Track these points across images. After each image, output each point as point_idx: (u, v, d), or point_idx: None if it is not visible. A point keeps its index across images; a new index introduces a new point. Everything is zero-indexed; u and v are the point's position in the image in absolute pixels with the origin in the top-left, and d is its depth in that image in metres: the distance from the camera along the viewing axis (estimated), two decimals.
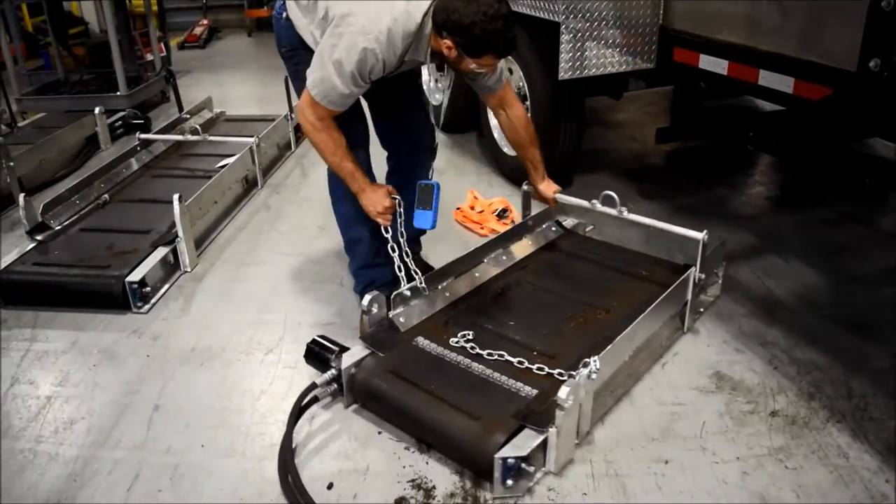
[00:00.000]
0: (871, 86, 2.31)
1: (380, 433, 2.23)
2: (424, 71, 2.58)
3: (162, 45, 6.43)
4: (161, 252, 3.12)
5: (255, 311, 2.93)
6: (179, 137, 4.41)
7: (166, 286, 3.10)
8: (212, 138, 4.28)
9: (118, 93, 5.35)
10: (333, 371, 2.27)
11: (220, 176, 3.67)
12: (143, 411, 2.37)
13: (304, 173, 4.43)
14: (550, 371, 2.24)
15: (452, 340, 2.43)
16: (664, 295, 2.49)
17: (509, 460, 1.91)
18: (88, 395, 2.47)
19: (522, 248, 3.08)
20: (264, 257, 3.37)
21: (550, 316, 2.60)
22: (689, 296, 2.62)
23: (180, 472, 2.11)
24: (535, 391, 2.15)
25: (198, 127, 4.37)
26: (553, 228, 3.24)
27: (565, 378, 2.11)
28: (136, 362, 2.64)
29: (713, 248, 2.68)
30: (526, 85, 3.74)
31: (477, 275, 2.83)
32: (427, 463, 2.11)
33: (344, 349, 2.34)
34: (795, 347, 2.58)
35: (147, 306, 2.95)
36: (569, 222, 3.30)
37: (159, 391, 2.47)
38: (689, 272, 2.62)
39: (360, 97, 2.48)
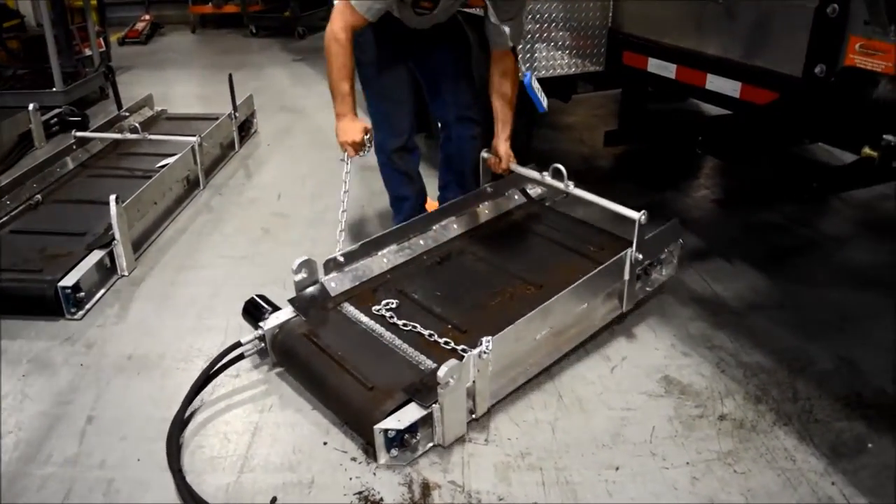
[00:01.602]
0: (817, 91, 2.35)
1: (325, 444, 2.17)
2: None
3: (101, 40, 6.21)
4: (96, 255, 2.98)
5: (195, 316, 2.82)
6: (118, 136, 4.25)
7: (102, 291, 2.97)
8: (152, 137, 4.13)
9: (54, 89, 5.14)
10: (259, 332, 2.38)
11: (160, 176, 3.54)
12: (76, 423, 2.26)
13: (248, 174, 4.32)
14: (455, 347, 2.28)
15: (375, 308, 2.48)
16: (588, 276, 2.45)
17: (390, 432, 2.00)
18: (17, 406, 2.34)
19: (476, 216, 3.06)
20: (206, 261, 3.26)
21: (479, 289, 2.62)
22: (627, 275, 2.58)
23: (115, 487, 2.01)
24: (434, 365, 2.19)
25: (137, 125, 4.21)
26: (516, 196, 3.19)
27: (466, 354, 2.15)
28: (68, 371, 2.51)
29: (667, 228, 2.70)
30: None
31: (421, 242, 2.85)
32: (374, 474, 2.05)
33: (276, 310, 2.46)
34: (742, 350, 2.60)
35: (81, 312, 2.81)
36: (537, 190, 3.23)
37: (93, 402, 2.36)
38: (624, 252, 2.56)
39: (411, 67, 2.84)
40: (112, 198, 2.98)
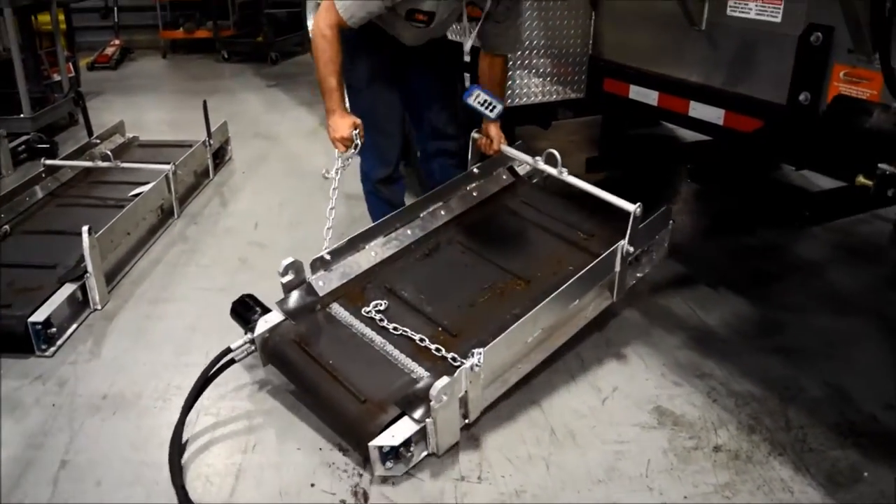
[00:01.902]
0: (801, 119, 2.36)
1: (312, 486, 2.09)
2: None
3: (70, 65, 6.10)
4: (68, 289, 2.88)
5: (172, 352, 2.73)
6: (89, 164, 4.13)
7: (74, 326, 2.86)
8: (124, 165, 4.03)
9: (21, 115, 5.01)
10: (248, 336, 2.37)
11: (133, 206, 3.45)
12: (49, 468, 2.15)
13: (223, 202, 4.24)
14: (446, 354, 2.25)
15: (364, 310, 2.46)
16: (579, 275, 2.40)
17: (384, 448, 2.00)
18: None
19: (464, 201, 2.98)
20: (182, 293, 3.17)
21: (468, 285, 2.58)
22: (618, 267, 2.54)
23: None
24: (426, 374, 2.18)
25: (109, 153, 4.10)
26: (504, 176, 3.10)
27: (458, 364, 2.16)
28: (40, 412, 2.40)
29: (658, 216, 2.69)
30: None
31: (409, 233, 2.79)
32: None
33: (266, 311, 2.44)
34: (732, 379, 2.58)
35: (52, 349, 2.70)
36: (524, 168, 3.13)
37: (67, 444, 2.25)
38: (616, 245, 2.51)
39: (396, 90, 2.82)
40: (84, 229, 2.88)
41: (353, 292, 2.55)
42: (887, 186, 1.72)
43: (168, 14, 8.98)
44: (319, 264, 2.53)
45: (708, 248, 3.65)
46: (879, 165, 1.72)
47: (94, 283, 2.95)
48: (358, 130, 2.59)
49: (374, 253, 2.67)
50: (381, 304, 2.48)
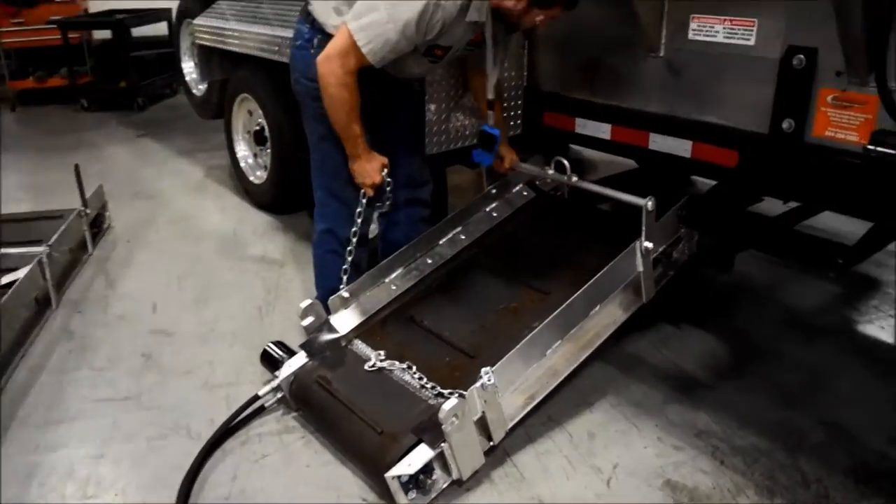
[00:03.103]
0: (785, 148, 2.17)
1: None
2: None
3: None
4: None
5: (79, 496, 2.17)
6: None
7: None
8: None
9: None
10: (274, 382, 2.40)
11: (2, 302, 2.83)
12: None
13: (109, 282, 3.60)
14: (461, 376, 2.23)
15: (385, 342, 2.46)
16: (596, 277, 2.33)
17: (402, 477, 1.96)
18: None
19: (483, 223, 2.93)
20: (78, 408, 2.57)
21: (487, 305, 2.55)
22: (641, 266, 2.41)
23: None
24: (445, 400, 2.07)
25: None
26: (525, 193, 3.03)
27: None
28: None
29: (674, 210, 2.55)
30: None
31: (429, 261, 2.74)
32: None
33: (292, 355, 2.46)
34: (731, 433, 2.36)
35: None
36: (546, 181, 3.05)
37: None
38: (633, 244, 2.41)
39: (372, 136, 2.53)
40: None
41: (374, 327, 2.55)
42: None
43: (14, 62, 8.03)
44: (339, 303, 2.54)
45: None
46: None
47: None
48: (386, 171, 2.53)
49: (394, 286, 2.66)
50: (400, 335, 2.50)
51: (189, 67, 5.60)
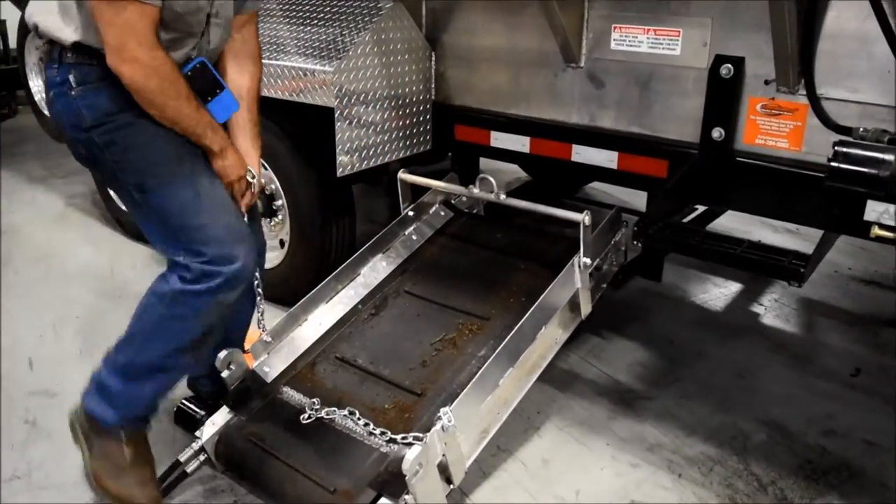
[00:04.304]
0: (716, 156, 2.18)
1: None
2: None
3: None
4: None
5: None
6: None
7: None
8: None
9: None
10: (194, 446, 2.13)
11: None
12: None
13: None
14: (414, 417, 2.09)
15: (318, 387, 2.26)
16: (541, 299, 2.24)
17: None
18: None
19: (404, 247, 2.79)
20: None
21: (424, 336, 2.39)
22: (579, 283, 2.36)
23: None
24: (396, 446, 2.00)
25: None
26: (442, 213, 2.91)
27: (430, 427, 1.92)
28: None
29: (607, 222, 2.50)
30: (282, 192, 3.00)
31: (352, 293, 2.58)
32: None
33: (214, 410, 2.18)
34: (680, 443, 2.38)
35: None
36: (462, 199, 2.96)
37: None
38: (572, 260, 2.35)
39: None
40: None
41: (304, 371, 2.34)
42: None
43: None
44: (261, 348, 2.31)
45: None
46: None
47: None
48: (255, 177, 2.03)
49: (319, 322, 2.47)
50: (333, 377, 2.29)
51: (37, 85, 5.05)
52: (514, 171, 4.37)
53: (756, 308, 3.27)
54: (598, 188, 4.41)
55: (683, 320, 3.16)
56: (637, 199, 3.04)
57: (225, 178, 1.94)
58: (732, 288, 3.45)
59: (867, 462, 2.28)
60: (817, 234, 2.35)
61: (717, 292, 3.40)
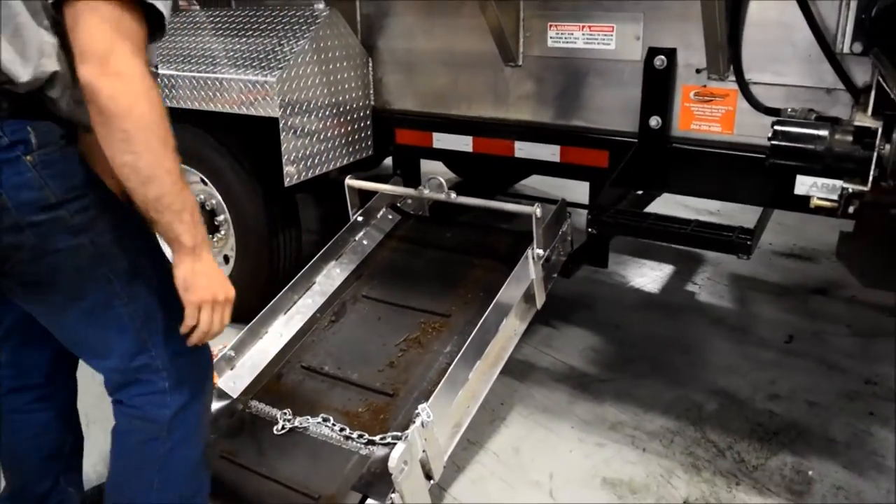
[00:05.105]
0: (655, 144, 2.30)
1: None
2: None
3: None
4: None
5: None
6: None
7: None
8: None
9: None
10: None
11: None
12: None
13: None
14: (390, 418, 2.11)
15: (287, 398, 2.25)
16: (501, 291, 2.30)
17: None
18: None
19: (356, 253, 2.80)
20: None
21: (388, 338, 2.41)
22: (534, 274, 2.44)
23: None
24: (375, 447, 2.03)
25: None
26: (390, 216, 2.95)
27: (407, 425, 1.96)
28: None
29: (555, 213, 2.58)
30: (225, 207, 2.94)
31: (309, 301, 2.58)
32: None
33: None
34: (640, 419, 2.48)
35: None
36: (408, 201, 3.01)
37: None
38: (525, 252, 2.43)
39: None
40: None
41: (270, 382, 2.33)
42: (849, 204, 1.69)
43: None
44: (224, 364, 2.31)
45: None
46: (843, 184, 1.68)
47: None
48: None
49: (279, 334, 2.46)
50: (302, 385, 2.30)
51: None
52: (445, 173, 4.44)
53: (691, 287, 3.44)
54: (524, 183, 4.54)
55: (626, 304, 3.29)
56: (559, 191, 3.15)
57: (192, 293, 1.40)
58: (666, 270, 3.61)
59: (812, 420, 2.44)
60: (737, 214, 2.50)
61: (654, 275, 3.56)
